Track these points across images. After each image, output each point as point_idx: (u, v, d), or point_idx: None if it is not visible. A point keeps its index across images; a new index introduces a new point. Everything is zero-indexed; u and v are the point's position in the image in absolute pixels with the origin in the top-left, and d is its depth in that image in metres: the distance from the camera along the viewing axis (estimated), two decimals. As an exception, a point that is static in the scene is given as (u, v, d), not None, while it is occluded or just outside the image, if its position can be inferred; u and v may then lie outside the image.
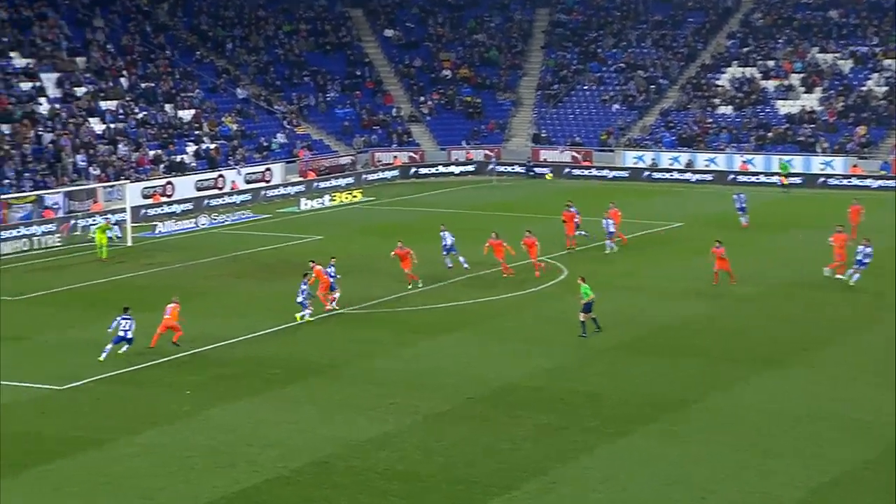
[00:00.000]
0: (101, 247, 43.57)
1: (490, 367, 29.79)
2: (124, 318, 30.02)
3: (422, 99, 75.83)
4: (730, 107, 71.85)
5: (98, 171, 56.87)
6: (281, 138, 68.67)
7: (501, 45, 79.85)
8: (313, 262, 35.32)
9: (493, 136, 73.79)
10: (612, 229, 44.21)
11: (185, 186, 59.06)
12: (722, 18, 78.25)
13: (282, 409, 26.28)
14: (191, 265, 42.36)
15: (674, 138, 70.43)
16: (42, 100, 59.90)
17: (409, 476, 22.50)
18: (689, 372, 29.04)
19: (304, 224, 53.16)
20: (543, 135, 73.53)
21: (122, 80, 65.93)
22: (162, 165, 60.64)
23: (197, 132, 65.20)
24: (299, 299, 33.42)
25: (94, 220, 48.23)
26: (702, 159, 67.97)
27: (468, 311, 35.82)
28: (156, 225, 51.29)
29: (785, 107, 70.76)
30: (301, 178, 64.60)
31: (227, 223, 52.89)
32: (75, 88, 62.53)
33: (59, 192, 52.39)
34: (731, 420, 25.43)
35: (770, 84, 72.45)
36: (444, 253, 41.08)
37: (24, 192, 51.74)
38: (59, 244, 47.35)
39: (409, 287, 37.90)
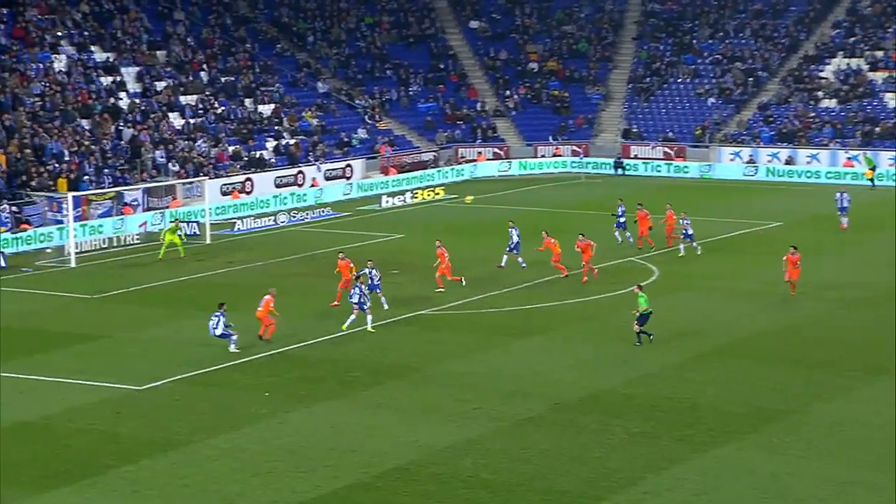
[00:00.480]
0: (177, 246, 44.01)
1: (579, 371, 29.61)
2: (216, 315, 30.79)
3: (507, 93, 75.71)
4: (834, 100, 70.43)
5: (177, 167, 57.83)
6: (362, 133, 69.11)
7: (591, 36, 79.36)
8: (342, 253, 36.39)
9: (582, 131, 73.38)
10: (689, 231, 43.17)
11: (263, 183, 59.75)
12: (826, 7, 76.73)
13: (362, 413, 26.40)
14: (270, 263, 42.80)
15: (773, 133, 69.29)
16: (122, 94, 61.08)
17: (495, 485, 22.43)
18: (788, 380, 28.52)
19: (386, 222, 53.42)
20: (634, 130, 72.90)
21: (202, 73, 66.95)
22: (241, 161, 61.43)
23: (277, 127, 65.93)
24: (355, 300, 33.12)
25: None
26: (803, 155, 66.74)
27: (555, 313, 35.66)
28: (234, 222, 51.95)
29: (894, 100, 69.16)
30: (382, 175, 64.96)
31: (306, 221, 53.35)
32: (155, 83, 63.65)
33: (138, 189, 53.38)
34: (833, 432, 24.90)
35: (878, 76, 70.85)
36: (508, 250, 41.40)
37: (103, 188, 52.80)
38: (138, 241, 48.20)
39: (440, 290, 37.51)
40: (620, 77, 77.10)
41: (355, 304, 32.99)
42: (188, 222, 48.83)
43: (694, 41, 77.29)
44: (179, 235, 44.59)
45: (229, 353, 31.07)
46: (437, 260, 38.02)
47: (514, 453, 23.89)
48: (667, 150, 70.00)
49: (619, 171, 68.66)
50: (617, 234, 45.54)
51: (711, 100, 73.38)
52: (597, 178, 67.44)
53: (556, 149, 71.12)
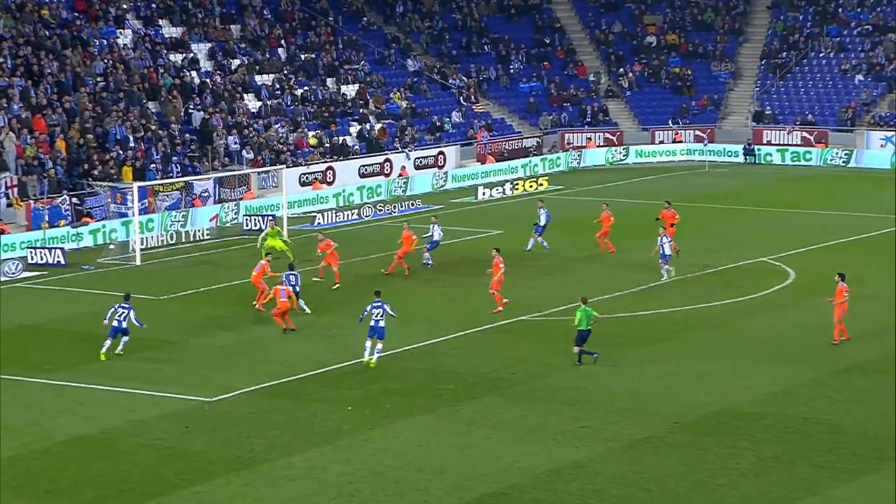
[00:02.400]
0: (280, 250, 43.18)
1: (701, 387, 29.41)
2: (122, 307, 31.55)
3: (621, 70, 75.36)
4: None
5: (251, 155, 58.74)
6: (456, 117, 69.39)
7: (718, 5, 78.58)
8: (407, 223, 38.76)
9: (706, 113, 72.72)
10: (667, 247, 39.49)
11: (347, 172, 60.38)
12: None
13: (456, 431, 26.55)
14: (353, 262, 43.22)
15: (930, 116, 67.93)
16: (192, 73, 62.24)
17: (604, 514, 22.44)
18: (945, 400, 27.96)
19: (482, 216, 53.59)
20: (767, 112, 72.02)
21: (280, 50, 67.88)
22: (322, 148, 62.16)
23: (362, 110, 66.55)
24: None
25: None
26: (966, 141, 65.35)
27: (674, 320, 35.46)
28: (314, 216, 52.60)
29: None
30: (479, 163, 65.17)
31: (394, 215, 53.77)
32: (229, 60, 64.70)
33: (209, 179, 54.35)
34: None
35: None
36: (536, 233, 42.96)
37: (171, 177, 53.89)
38: (209, 236, 49.06)
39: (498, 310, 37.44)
40: (752, 52, 76.20)
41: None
42: (266, 216, 49.50)
43: (839, 10, 76.02)
44: (284, 240, 43.28)
45: (309, 363, 31.50)
46: (492, 270, 36.35)
47: (627, 478, 23.83)
48: (805, 134, 69.00)
49: (750, 159, 67.90)
50: (532, 240, 44.64)
51: (859, 77, 72.10)
52: (723, 167, 66.76)
53: (677, 134, 70.57)
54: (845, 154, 66.33)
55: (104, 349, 31.65)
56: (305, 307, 35.78)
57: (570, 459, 24.77)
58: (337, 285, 39.25)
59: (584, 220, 51.67)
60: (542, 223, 44.28)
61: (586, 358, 30.90)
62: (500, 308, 35.71)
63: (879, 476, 23.77)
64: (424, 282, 40.44)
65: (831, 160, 66.37)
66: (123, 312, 31.53)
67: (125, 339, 31.66)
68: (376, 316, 30.84)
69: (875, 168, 64.69)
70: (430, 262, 42.25)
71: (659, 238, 39.63)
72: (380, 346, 30.96)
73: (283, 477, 24.14)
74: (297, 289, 35.51)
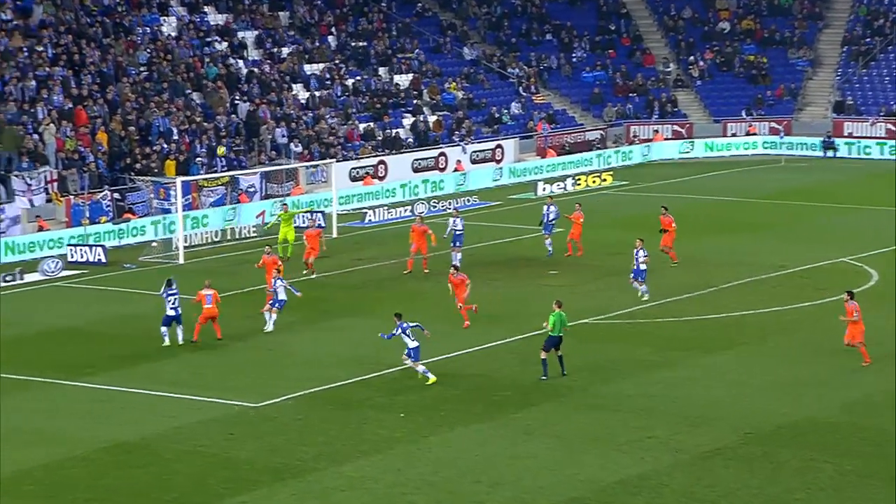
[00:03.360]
0: (288, 243, 44.66)
1: (776, 396, 29.24)
2: (170, 294, 32.50)
3: (691, 58, 74.96)
4: None
5: (300, 149, 59.05)
6: (515, 109, 69.35)
7: (797, -12, 77.93)
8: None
9: (783, 104, 72.19)
10: (642, 264, 37.32)
11: (399, 167, 60.52)
12: None
13: (514, 440, 26.55)
14: (405, 262, 43.24)
15: None
16: (239, 62, 62.66)
17: (671, 529, 22.35)
18: None
19: (541, 214, 53.35)
20: (849, 103, 71.34)
21: (330, 38, 68.17)
22: (373, 142, 62.34)
23: (415, 101, 66.69)
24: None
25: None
26: None
27: (746, 324, 35.27)
28: (365, 213, 52.77)
29: None
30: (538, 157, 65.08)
31: (448, 211, 53.76)
32: (277, 49, 65.07)
33: (255, 173, 54.70)
34: None
35: None
36: (545, 231, 43.32)
37: (216, 172, 54.29)
38: (255, 234, 49.33)
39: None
40: (833, 38, 75.51)
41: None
42: (313, 213, 49.81)
43: (926, -7, 75.14)
44: (297, 228, 45.12)
45: (359, 368, 31.61)
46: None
47: (696, 492, 23.73)
48: (890, 126, 68.26)
49: (830, 153, 67.30)
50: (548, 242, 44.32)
51: (949, 65, 71.27)
52: (801, 161, 66.20)
53: (751, 126, 70.09)
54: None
55: (165, 341, 32.98)
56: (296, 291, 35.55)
57: (636, 472, 24.68)
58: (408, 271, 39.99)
59: (650, 217, 51.45)
60: (549, 218, 44.16)
61: (553, 369, 29.92)
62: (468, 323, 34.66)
63: (968, 492, 23.47)
64: (480, 282, 40.39)
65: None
66: (173, 298, 32.77)
67: (179, 328, 32.81)
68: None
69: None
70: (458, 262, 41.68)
71: (634, 251, 37.17)
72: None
73: (333, 487, 24.24)
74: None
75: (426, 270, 41.44)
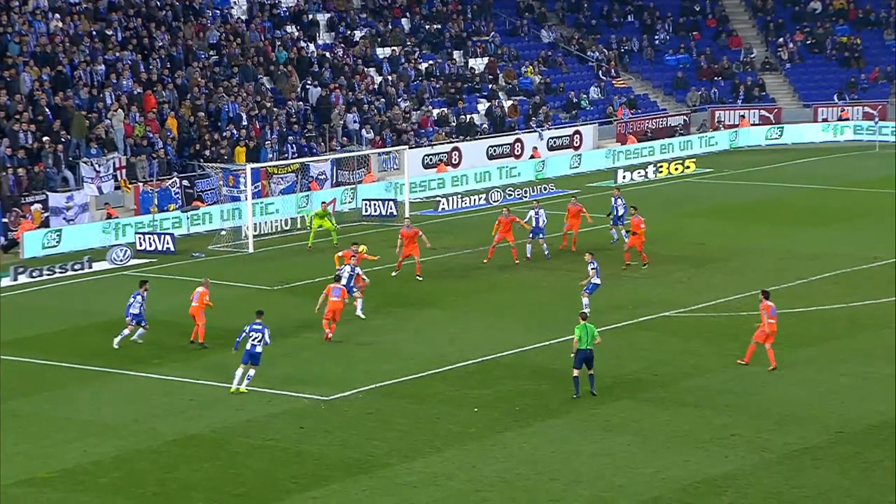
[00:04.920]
0: (328, 231, 44.82)
1: (869, 393, 28.98)
2: (255, 328, 29.31)
3: (780, 41, 74.23)
4: None
5: (372, 135, 59.29)
6: (595, 93, 69.12)
7: (892, -34, 76.89)
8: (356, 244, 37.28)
9: (877, 88, 71.28)
10: (592, 282, 35.09)
11: (474, 154, 60.54)
12: None
13: (592, 437, 26.51)
14: (480, 251, 43.31)
15: None
16: (310, 46, 63.00)
17: (757, 531, 22.23)
18: None
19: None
20: (948, 86, 70.28)
21: (404, 21, 68.32)
22: (447, 128, 62.42)
23: (491, 86, 66.67)
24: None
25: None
26: None
27: (839, 319, 34.97)
28: (439, 201, 52.86)
29: None
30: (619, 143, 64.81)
31: (525, 200, 53.74)
32: (350, 32, 65.30)
33: (326, 160, 55.01)
34: None
35: None
36: (612, 223, 42.94)
37: (286, 158, 54.65)
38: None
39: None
40: (931, 18, 74.36)
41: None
42: (384, 201, 50.00)
43: None
44: (329, 219, 45.24)
45: (431, 359, 31.69)
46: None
47: (784, 493, 23.58)
48: None
49: (925, 140, 66.34)
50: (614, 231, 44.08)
51: None
52: (892, 146, 65.35)
53: (843, 111, 69.31)
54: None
55: (234, 382, 29.48)
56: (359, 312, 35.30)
57: (720, 471, 24.56)
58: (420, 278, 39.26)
59: (739, 206, 51.11)
60: (618, 213, 43.63)
61: (585, 388, 28.54)
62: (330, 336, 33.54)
63: None
64: (560, 273, 40.31)
65: None
66: (257, 335, 29.26)
67: (252, 372, 29.36)
68: (254, 339, 29.14)
69: None
70: (546, 252, 42.12)
71: (588, 263, 35.14)
72: (252, 372, 29.24)
73: (405, 483, 24.34)
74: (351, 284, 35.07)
75: (517, 261, 41.34)
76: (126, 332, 32.95)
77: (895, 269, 40.02)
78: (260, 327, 29.36)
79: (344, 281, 34.57)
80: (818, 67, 73.19)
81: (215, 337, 33.85)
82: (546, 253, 42.12)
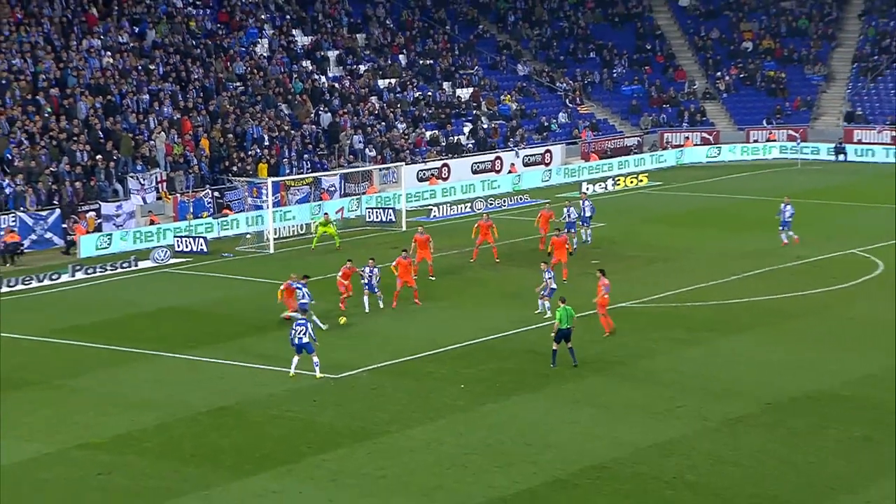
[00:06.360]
0: (330, 236, 44.84)
1: (793, 371, 28.91)
2: (299, 324, 28.70)
3: (718, 74, 74.23)
4: None
5: (374, 153, 59.14)
6: (562, 118, 69.05)
7: (812, 13, 76.95)
8: (351, 260, 35.54)
9: (799, 114, 71.30)
10: (551, 282, 33.81)
11: (461, 169, 60.44)
12: None
13: (561, 409, 26.47)
14: (466, 251, 43.24)
15: None
16: (322, 78, 62.85)
17: (700, 487, 22.16)
18: None
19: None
20: (858, 113, 70.32)
21: (401, 56, 68.19)
22: (438, 147, 62.30)
23: (475, 111, 66.56)
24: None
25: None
26: None
27: (765, 309, 34.85)
28: (431, 209, 52.76)
29: None
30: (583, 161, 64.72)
31: (504, 208, 53.72)
32: (356, 66, 65.18)
33: (335, 175, 54.86)
34: None
35: None
36: (584, 224, 42.56)
37: (301, 173, 54.51)
38: (336, 227, 49.40)
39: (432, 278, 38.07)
40: (844, 56, 74.47)
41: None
42: (384, 209, 49.93)
43: (930, 15, 73.96)
44: (333, 227, 45.23)
45: (426, 343, 31.62)
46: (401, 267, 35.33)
47: (721, 455, 23.53)
48: (895, 134, 67.17)
49: (841, 158, 66.39)
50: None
51: (948, 79, 70.10)
52: (815, 164, 65.39)
53: (771, 133, 69.32)
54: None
55: (292, 369, 28.72)
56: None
57: (668, 436, 24.54)
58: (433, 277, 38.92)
59: (684, 214, 51.14)
60: (586, 214, 43.28)
61: (563, 359, 28.61)
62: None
63: (965, 458, 23.08)
64: (535, 269, 40.28)
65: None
66: (302, 329, 28.55)
67: (315, 360, 28.50)
68: (300, 333, 28.44)
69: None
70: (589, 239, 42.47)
71: (543, 272, 34.00)
72: (315, 359, 28.45)
73: (403, 448, 24.29)
74: (373, 280, 34.65)
75: (497, 259, 41.25)
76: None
77: (816, 267, 40.06)
78: (303, 321, 28.95)
79: (365, 280, 34.42)
80: (750, 97, 73.18)
81: (241, 323, 33.79)
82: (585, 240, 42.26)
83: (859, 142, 67.52)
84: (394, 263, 35.68)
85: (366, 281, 34.77)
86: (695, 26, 77.25)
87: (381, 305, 35.14)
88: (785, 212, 42.64)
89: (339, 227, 47.90)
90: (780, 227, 42.69)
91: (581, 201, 44.23)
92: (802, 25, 76.34)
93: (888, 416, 25.48)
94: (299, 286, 32.98)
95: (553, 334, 29.02)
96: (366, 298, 34.90)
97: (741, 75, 74.20)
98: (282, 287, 33.23)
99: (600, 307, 31.78)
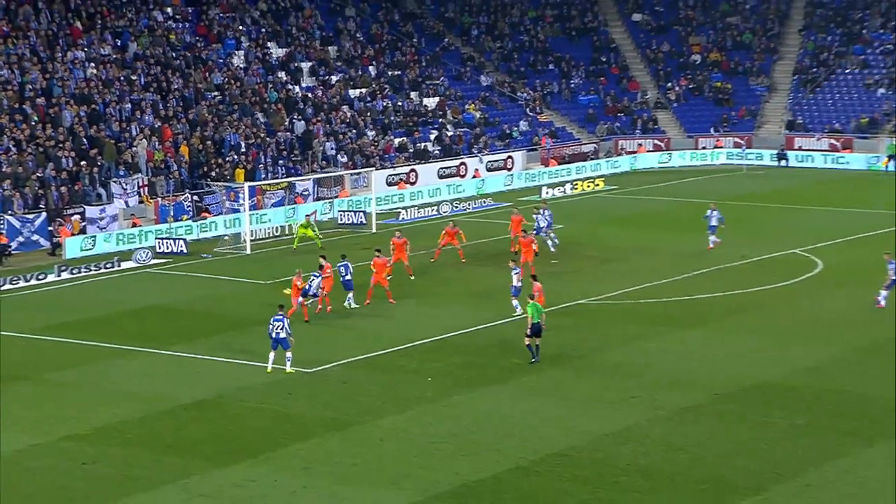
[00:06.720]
0: (310, 238, 44.70)
1: (739, 363, 29.05)
2: (276, 319, 28.35)
3: (669, 85, 74.58)
4: None
5: (345, 159, 58.99)
6: (523, 126, 69.12)
7: (756, 27, 77.42)
8: (324, 257, 34.75)
9: (744, 122, 71.72)
10: (518, 282, 33.11)
11: (427, 174, 60.39)
12: None
13: (524, 400, 26.47)
14: (433, 252, 43.18)
15: (947, 124, 66.41)
16: (296, 88, 62.62)
17: (653, 472, 22.24)
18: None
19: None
20: (799, 121, 70.84)
21: (371, 68, 68.07)
22: (406, 153, 62.19)
23: (441, 120, 66.53)
24: (311, 291, 33.01)
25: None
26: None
27: (714, 305, 35.01)
28: (399, 212, 52.67)
29: None
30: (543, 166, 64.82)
31: (468, 210, 53.71)
32: (328, 77, 64.98)
33: (309, 179, 54.68)
34: None
35: None
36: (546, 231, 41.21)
37: (277, 178, 54.25)
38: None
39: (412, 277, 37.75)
40: (786, 68, 74.98)
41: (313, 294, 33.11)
42: (356, 212, 49.85)
43: (864, 31, 74.55)
44: (312, 229, 45.22)
45: (395, 338, 31.54)
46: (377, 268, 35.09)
47: (672, 442, 23.62)
48: (832, 141, 67.76)
49: (783, 163, 66.87)
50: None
51: (881, 90, 70.66)
52: (759, 169, 65.82)
53: (718, 140, 69.67)
54: (871, 158, 64.97)
55: (269, 364, 28.44)
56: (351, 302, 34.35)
57: (623, 425, 24.61)
58: (412, 277, 38.82)
59: (637, 216, 51.34)
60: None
61: (529, 355, 28.45)
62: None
63: (899, 443, 23.29)
64: (500, 269, 40.28)
65: (855, 164, 64.96)
66: (279, 324, 28.23)
67: (289, 355, 28.27)
68: (277, 328, 28.12)
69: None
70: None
71: (512, 269, 33.64)
72: (288, 354, 28.18)
73: (374, 437, 24.23)
74: (349, 277, 34.19)
75: (463, 260, 41.06)
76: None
77: (760, 266, 40.28)
78: (280, 318, 28.64)
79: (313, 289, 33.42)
80: (698, 106, 73.53)
81: (220, 321, 33.61)
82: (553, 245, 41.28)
83: (800, 148, 67.99)
84: (371, 263, 35.55)
85: (310, 288, 33.22)
86: (647, 40, 77.56)
87: (354, 305, 34.89)
88: (711, 217, 42.21)
89: (314, 230, 47.72)
90: (708, 231, 42.07)
91: (542, 210, 43.59)
92: (747, 39, 76.83)
93: (828, 405, 25.68)
94: (316, 275, 33.22)
95: (527, 330, 28.87)
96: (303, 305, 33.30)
97: (690, 86, 74.56)
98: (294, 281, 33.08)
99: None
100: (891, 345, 30.11)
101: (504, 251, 42.53)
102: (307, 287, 33.41)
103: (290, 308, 31.88)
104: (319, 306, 34.08)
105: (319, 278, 33.72)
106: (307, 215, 47.29)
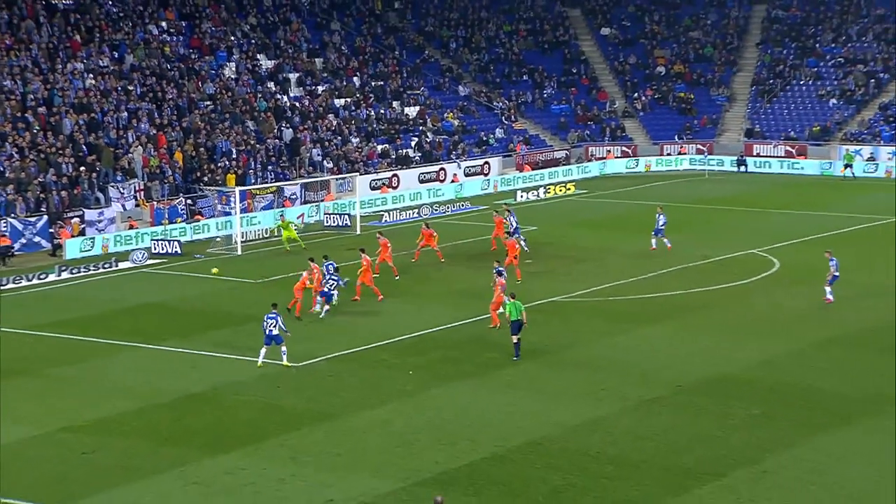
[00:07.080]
0: (293, 239, 44.66)
1: (701, 357, 29.21)
2: (270, 317, 28.25)
3: (636, 95, 74.83)
4: (954, 100, 67.49)
5: (331, 164, 58.93)
6: (499, 133, 69.22)
7: (717, 41, 77.77)
8: (312, 259, 34.52)
9: (706, 130, 72.04)
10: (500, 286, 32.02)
11: (409, 179, 60.41)
12: (947, 10, 73.56)
13: (499, 392, 26.54)
14: (413, 253, 43.21)
15: (894, 132, 66.82)
16: (284, 97, 62.55)
17: (620, 460, 22.36)
18: (906, 369, 27.55)
19: (520, 215, 53.02)
20: (757, 130, 71.23)
21: (355, 78, 68.03)
22: (388, 159, 62.21)
23: (421, 127, 66.55)
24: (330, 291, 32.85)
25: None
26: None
27: (678, 303, 35.16)
28: (382, 215, 52.67)
29: None
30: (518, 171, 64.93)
31: (447, 213, 53.77)
32: (314, 87, 64.95)
33: (296, 184, 54.60)
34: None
35: None
36: (518, 235, 40.39)
37: (266, 182, 54.18)
38: (296, 231, 49.12)
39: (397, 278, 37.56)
40: (744, 80, 75.36)
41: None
42: (341, 215, 49.86)
43: (817, 45, 75.03)
44: (295, 230, 45.17)
45: (378, 334, 31.54)
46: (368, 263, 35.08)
47: (638, 431, 23.75)
48: (788, 148, 68.17)
49: (742, 169, 67.22)
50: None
51: (833, 101, 71.15)
52: (720, 175, 66.14)
53: (682, 147, 69.96)
54: (824, 164, 65.43)
55: (260, 359, 28.33)
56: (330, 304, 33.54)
57: (592, 415, 24.73)
58: (397, 277, 38.80)
59: (606, 218, 51.53)
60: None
61: (509, 349, 28.57)
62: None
63: (850, 430, 23.51)
64: (478, 268, 40.38)
65: (809, 169, 65.39)
66: (273, 322, 28.14)
67: (284, 349, 28.20)
68: (270, 325, 28.05)
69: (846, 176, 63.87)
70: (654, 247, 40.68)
71: (494, 269, 33.43)
72: (283, 349, 28.07)
73: (357, 428, 24.26)
74: (336, 276, 33.68)
75: (442, 260, 41.09)
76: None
77: (719, 265, 40.47)
78: (274, 315, 28.58)
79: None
80: (663, 115, 73.81)
81: (212, 318, 33.55)
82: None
83: (758, 155, 68.34)
84: (362, 263, 35.31)
85: (329, 289, 33.16)
86: (615, 53, 77.81)
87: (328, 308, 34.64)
88: (659, 220, 41.89)
89: (300, 231, 47.76)
90: (653, 234, 41.70)
91: (509, 213, 43.42)
92: (708, 53, 77.19)
93: (783, 396, 25.87)
94: (333, 277, 33.11)
95: (509, 326, 28.91)
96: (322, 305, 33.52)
97: (655, 96, 74.84)
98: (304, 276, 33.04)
99: (495, 305, 31.26)
100: (841, 339, 30.35)
101: (483, 251, 42.64)
102: (326, 290, 33.15)
103: (309, 305, 31.88)
104: (314, 307, 33.96)
105: (339, 282, 33.44)
106: (281, 215, 47.25)
